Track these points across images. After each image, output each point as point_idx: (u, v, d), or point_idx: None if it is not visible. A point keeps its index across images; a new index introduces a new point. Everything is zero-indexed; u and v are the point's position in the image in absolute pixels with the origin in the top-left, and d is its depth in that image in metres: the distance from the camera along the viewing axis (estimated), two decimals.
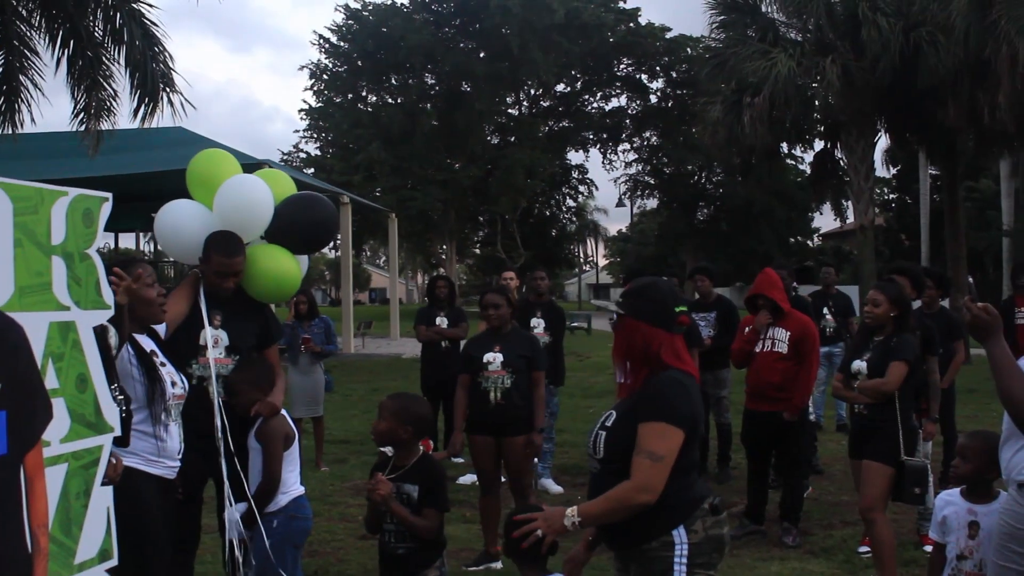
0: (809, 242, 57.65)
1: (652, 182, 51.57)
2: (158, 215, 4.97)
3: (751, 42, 22.59)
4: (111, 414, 3.06)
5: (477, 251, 59.69)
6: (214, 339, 4.75)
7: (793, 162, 41.46)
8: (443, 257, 50.14)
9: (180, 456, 4.26)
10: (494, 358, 6.35)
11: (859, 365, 5.95)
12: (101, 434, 3.01)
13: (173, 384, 4.23)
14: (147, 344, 4.18)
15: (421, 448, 4.38)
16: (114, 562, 3.09)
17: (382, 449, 4.50)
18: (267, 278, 4.95)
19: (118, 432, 3.15)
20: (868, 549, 6.46)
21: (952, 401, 8.33)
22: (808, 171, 37.38)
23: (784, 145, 28.72)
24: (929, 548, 6.50)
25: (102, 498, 3.02)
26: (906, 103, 22.02)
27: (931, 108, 21.45)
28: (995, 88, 19.76)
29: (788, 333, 7.09)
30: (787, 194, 46.27)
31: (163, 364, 4.22)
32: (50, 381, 2.81)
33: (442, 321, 9.76)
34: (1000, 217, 38.55)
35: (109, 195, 3.08)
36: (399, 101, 44.93)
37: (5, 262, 2.67)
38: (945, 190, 26.69)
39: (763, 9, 23.60)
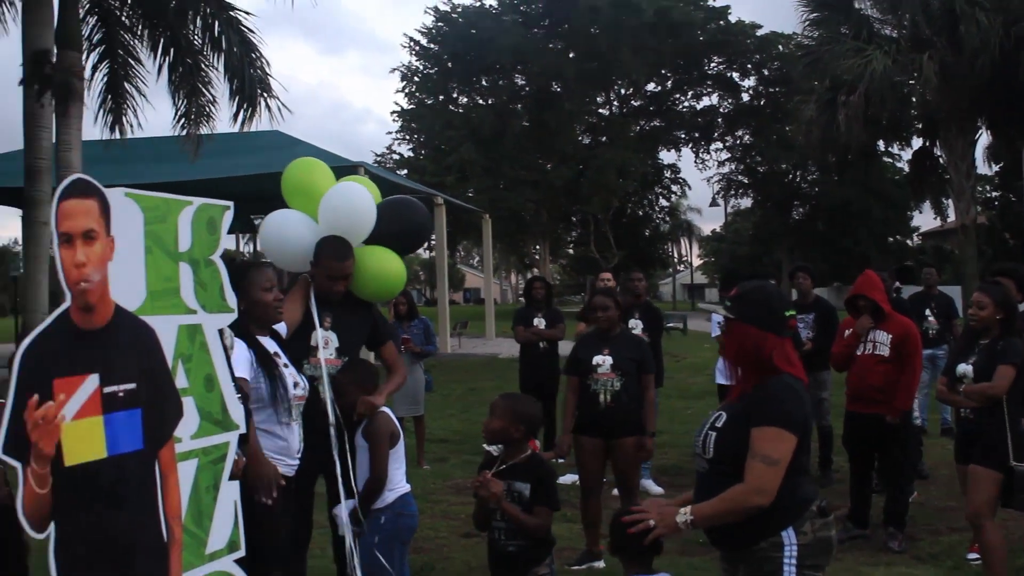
0: (908, 241, 56.40)
1: (746, 181, 51.05)
2: (263, 226, 5.16)
3: (845, 39, 22.30)
4: (236, 412, 3.21)
5: (570, 251, 59.70)
6: (324, 340, 4.90)
7: (890, 160, 40.65)
8: (536, 257, 50.29)
9: (299, 455, 4.41)
10: (603, 360, 6.37)
11: (964, 369, 5.82)
12: (228, 431, 3.16)
13: (295, 385, 4.36)
14: (270, 346, 4.33)
15: (530, 447, 4.42)
16: (241, 553, 3.22)
17: (487, 448, 4.58)
18: (374, 278, 5.11)
19: (243, 430, 3.29)
20: (978, 556, 6.33)
21: None
22: (906, 169, 36.64)
23: (880, 143, 28.21)
24: None
25: (229, 492, 3.16)
26: (1007, 99, 21.46)
27: None
28: None
29: (890, 336, 6.99)
30: (885, 192, 45.32)
31: (286, 365, 4.36)
32: (180, 381, 2.96)
33: (540, 322, 9.81)
34: None
35: (230, 204, 3.22)
36: (490, 102, 45.24)
37: (138, 269, 2.82)
38: None
39: (856, 6, 23.25)
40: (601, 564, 6.43)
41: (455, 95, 46.52)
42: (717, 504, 3.15)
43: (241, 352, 4.04)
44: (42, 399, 2.47)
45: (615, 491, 7.81)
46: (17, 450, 2.43)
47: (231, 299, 3.21)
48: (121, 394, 2.69)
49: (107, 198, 2.69)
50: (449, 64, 44.39)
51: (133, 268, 2.80)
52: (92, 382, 2.60)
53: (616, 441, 6.40)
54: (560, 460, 8.63)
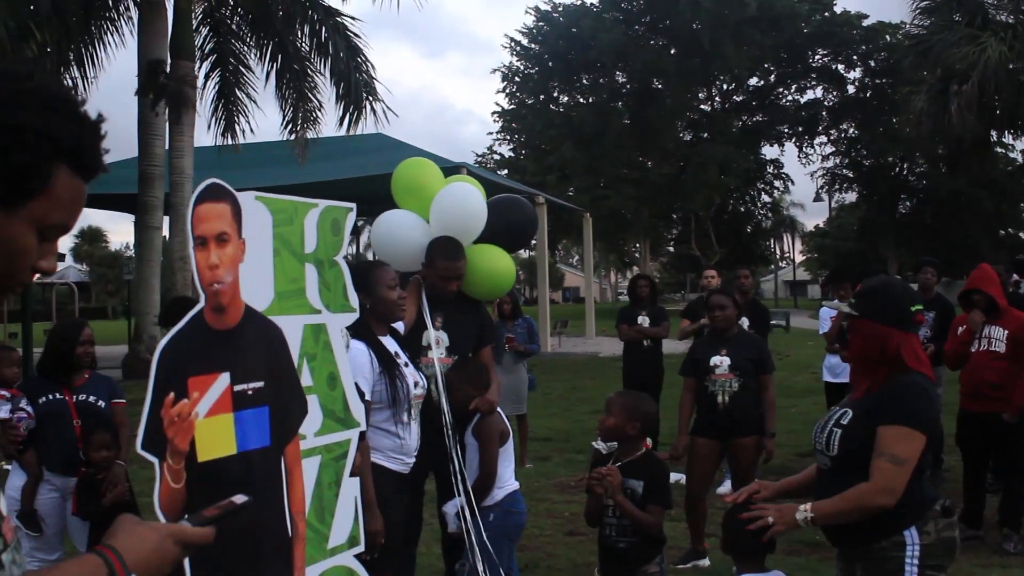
0: (1022, 234, 54.53)
1: (850, 175, 50.08)
2: (375, 226, 5.27)
3: (958, 27, 21.69)
4: (357, 410, 3.29)
5: (671, 249, 59.24)
6: (436, 339, 4.98)
7: (1003, 150, 39.36)
8: (636, 256, 50.07)
9: (416, 454, 4.49)
10: (721, 361, 6.33)
11: None
12: (349, 428, 3.24)
13: (415, 384, 4.43)
14: (391, 345, 4.42)
15: (646, 445, 4.43)
16: (361, 548, 3.30)
17: (596, 446, 4.59)
18: (485, 277, 5.21)
19: (364, 427, 3.37)
20: None
21: None
22: (1020, 159, 35.42)
23: (993, 133, 27.35)
24: None
25: (350, 488, 3.23)
26: None
27: None
28: None
29: (1006, 331, 6.85)
30: (996, 184, 43.95)
31: (406, 364, 4.44)
32: (305, 379, 3.04)
33: (644, 320, 9.77)
34: None
35: (353, 205, 3.30)
36: (590, 101, 45.23)
37: (266, 270, 2.91)
38: None
39: None
40: (706, 562, 6.42)
41: (556, 94, 46.63)
42: (840, 502, 3.11)
43: (359, 354, 4.13)
44: (177, 397, 2.56)
45: (718, 490, 7.77)
46: (155, 446, 2.52)
47: (353, 299, 3.29)
48: (250, 392, 2.77)
49: (239, 202, 2.78)
50: (550, 63, 44.49)
51: (262, 269, 2.89)
52: (224, 380, 2.69)
53: (735, 441, 6.37)
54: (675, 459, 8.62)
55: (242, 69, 15.34)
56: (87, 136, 1.40)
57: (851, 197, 53.10)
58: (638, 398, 4.53)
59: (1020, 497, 7.01)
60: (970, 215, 45.83)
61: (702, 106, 47.93)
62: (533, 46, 45.02)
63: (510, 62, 46.31)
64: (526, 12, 47.12)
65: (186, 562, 2.61)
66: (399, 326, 4.65)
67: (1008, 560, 6.48)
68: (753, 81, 47.62)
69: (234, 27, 15.27)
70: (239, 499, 1.87)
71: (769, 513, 3.16)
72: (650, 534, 4.29)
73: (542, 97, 46.21)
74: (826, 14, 43.53)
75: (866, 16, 44.10)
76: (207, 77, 15.08)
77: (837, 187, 50.73)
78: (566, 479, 9.09)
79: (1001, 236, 49.84)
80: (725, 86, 47.29)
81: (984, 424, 6.84)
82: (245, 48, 15.33)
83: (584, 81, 45.57)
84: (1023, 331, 6.85)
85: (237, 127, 15.37)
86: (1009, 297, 7.44)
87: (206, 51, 14.97)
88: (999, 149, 38.92)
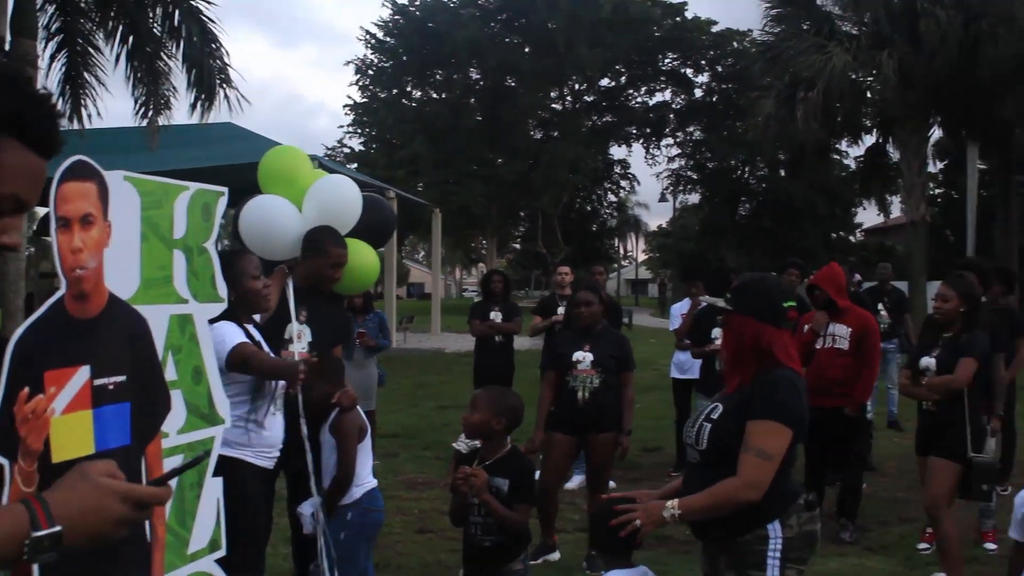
0: (852, 237, 57.07)
1: (695, 177, 51.32)
2: (244, 212, 5.06)
3: (806, 36, 22.53)
4: (223, 406, 3.14)
5: (517, 246, 59.64)
6: (298, 333, 4.84)
7: (838, 156, 41.17)
8: (483, 252, 50.19)
9: (281, 447, 4.35)
10: (583, 357, 6.34)
11: (928, 362, 5.92)
12: (213, 425, 3.08)
13: None
14: (256, 336, 4.27)
15: (510, 442, 4.41)
16: (222, 552, 3.14)
17: (456, 446, 4.53)
18: (356, 271, 5.12)
19: (228, 424, 3.23)
20: (928, 546, 6.50)
21: (1013, 398, 8.30)
22: (852, 166, 37.11)
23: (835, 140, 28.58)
24: (991, 545, 6.56)
25: (212, 490, 3.06)
26: (963, 97, 21.84)
27: (988, 102, 21.26)
28: None
29: (849, 329, 7.10)
30: (831, 189, 45.85)
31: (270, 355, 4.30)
32: (169, 373, 2.86)
33: (496, 316, 9.80)
34: None
35: (225, 190, 3.14)
36: (443, 96, 45.07)
37: (133, 255, 2.73)
38: (998, 185, 26.47)
39: (818, 2, 23.56)
40: (556, 556, 6.46)
41: (409, 89, 46.23)
42: (707, 497, 3.13)
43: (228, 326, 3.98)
44: (32, 392, 2.35)
45: (567, 485, 7.84)
46: (5, 446, 2.31)
47: (222, 288, 3.14)
48: (111, 387, 2.58)
49: (106, 181, 2.59)
50: (404, 57, 44.04)
51: (128, 255, 2.71)
52: (83, 374, 2.49)
53: (592, 437, 6.39)
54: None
55: (91, 50, 14.63)
56: (29, 108, 1.38)
57: (694, 198, 54.43)
58: (503, 393, 4.48)
59: (857, 488, 7.31)
60: (806, 218, 47.70)
61: (554, 105, 48.30)
62: (388, 39, 44.57)
63: (364, 55, 45.75)
64: (383, 5, 46.59)
65: (35, 569, 2.45)
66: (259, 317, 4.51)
67: (845, 549, 6.75)
68: (604, 82, 48.28)
69: (83, 5, 14.55)
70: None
71: (637, 514, 3.16)
72: (516, 532, 4.26)
73: (395, 91, 45.75)
74: (677, 19, 44.49)
75: (716, 23, 45.26)
76: (52, 58, 14.34)
77: (681, 188, 51.95)
78: (415, 476, 9.03)
79: (833, 239, 52.10)
80: (577, 86, 47.81)
81: (829, 419, 7.02)
82: (94, 28, 14.63)
83: (438, 76, 45.30)
84: (866, 329, 7.11)
85: (84, 111, 14.64)
86: (852, 296, 7.73)
87: (52, 30, 14.23)
88: (834, 155, 40.71)
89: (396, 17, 43.83)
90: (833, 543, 6.81)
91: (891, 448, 10.20)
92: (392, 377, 16.69)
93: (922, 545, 6.62)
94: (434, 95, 45.96)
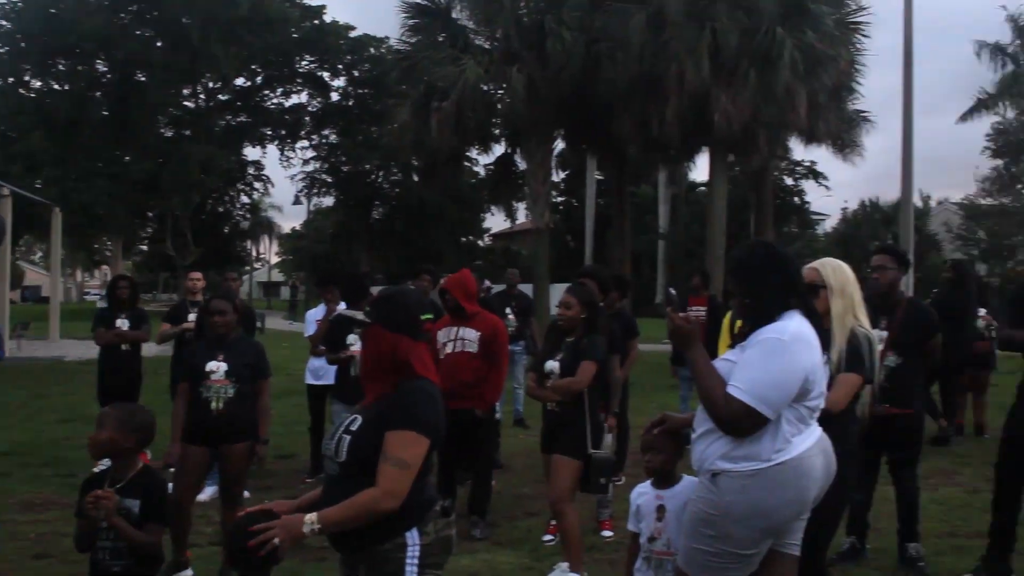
0: (480, 242, 59.53)
1: (329, 180, 51.36)
2: None
3: (442, 47, 23.16)
4: None
5: (144, 248, 56.94)
6: None
7: (469, 164, 42.81)
8: (108, 254, 47.44)
9: None
10: (217, 367, 6.16)
11: (552, 365, 6.21)
12: None
13: None
14: None
15: (141, 461, 4.18)
16: None
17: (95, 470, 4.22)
18: None
19: None
20: (552, 537, 6.84)
21: (627, 396, 8.94)
22: (483, 173, 38.77)
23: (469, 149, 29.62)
24: (608, 533, 7.03)
25: None
26: (585, 113, 23.35)
27: (607, 118, 22.87)
28: (664, 103, 21.40)
29: (478, 333, 7.29)
30: (461, 195, 47.50)
31: None
32: None
33: (123, 323, 9.35)
34: (657, 221, 41.85)
35: None
36: (66, 88, 42.21)
37: None
38: (613, 196, 28.52)
39: (454, 16, 24.24)
40: (189, 573, 6.22)
41: (27, 78, 42.84)
42: (346, 509, 3.10)
43: None
44: None
45: (200, 497, 7.56)
46: None
47: None
48: None
49: None
50: (23, 44, 40.76)
51: None
52: None
53: (227, 447, 6.20)
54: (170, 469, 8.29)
55: None
56: None
57: (329, 201, 54.60)
58: (133, 410, 4.27)
59: (487, 486, 7.57)
60: (437, 223, 49.11)
61: (186, 103, 46.55)
62: (5, 23, 41.00)
63: None
64: None
65: None
66: None
67: (476, 545, 6.88)
68: (240, 81, 47.18)
69: None
70: None
71: (276, 532, 3.08)
72: (148, 554, 4.07)
73: (11, 80, 42.23)
74: (316, 21, 44.30)
75: (354, 28, 45.56)
76: None
77: (316, 191, 51.85)
78: (31, 496, 8.33)
79: (463, 243, 54.09)
80: (211, 84, 46.35)
81: (461, 421, 7.17)
82: None
83: (61, 66, 42.39)
84: (493, 332, 7.35)
85: None
86: (481, 301, 7.98)
87: None
88: (465, 163, 42.24)
89: (16, 1, 40.42)
90: (464, 540, 6.96)
91: (517, 445, 10.64)
92: (3, 390, 15.35)
93: (547, 537, 6.93)
94: (56, 86, 42.93)
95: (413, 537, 3.17)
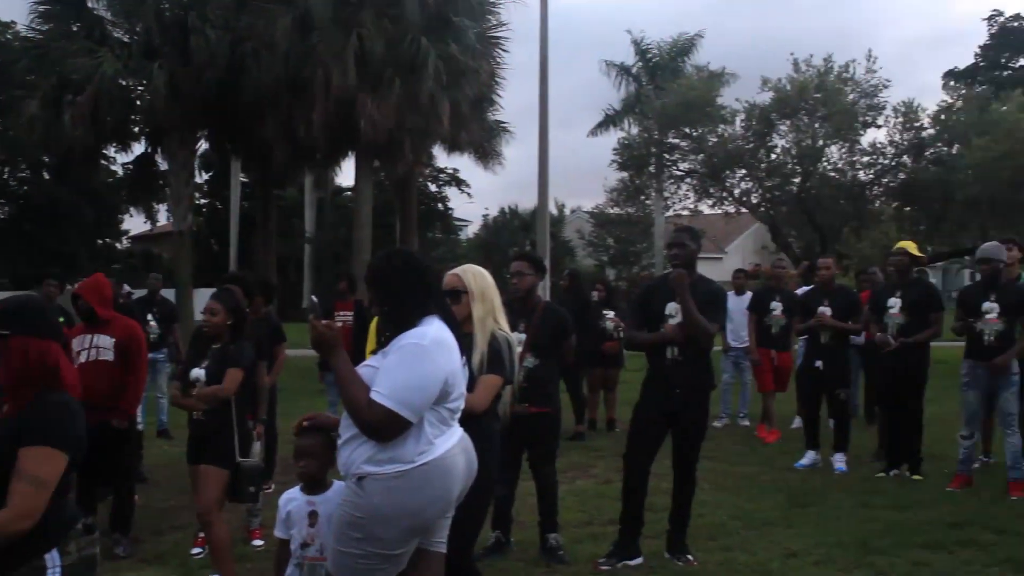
0: (118, 244, 56.44)
1: None
2: None
3: (76, 38, 21.92)
4: None
5: None
6: None
7: (106, 162, 40.50)
8: None
9: None
10: None
11: (197, 373, 6.10)
12: None
13: None
14: None
15: None
16: None
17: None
18: None
19: None
20: (200, 550, 6.70)
21: (275, 402, 8.90)
22: (121, 172, 36.83)
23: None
24: (258, 542, 6.98)
25: None
26: (229, 114, 22.84)
27: (252, 120, 22.52)
28: (311, 106, 21.39)
29: (114, 340, 6.97)
30: (98, 195, 44.83)
31: None
32: None
33: None
34: (304, 225, 41.57)
35: None
36: None
37: None
38: (259, 199, 28.08)
39: (90, 5, 23.01)
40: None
41: None
42: None
43: None
44: None
45: None
46: None
47: None
48: None
49: None
50: None
51: None
52: None
53: None
54: None
55: None
56: None
57: None
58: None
59: (129, 501, 7.25)
60: (70, 223, 46.02)
61: None
62: None
63: None
64: None
65: None
66: None
67: (119, 564, 6.60)
68: None
69: None
70: None
71: None
72: None
73: None
74: None
75: None
76: None
77: None
78: None
79: (99, 245, 51.03)
80: None
81: (96, 434, 6.83)
82: None
83: None
84: (130, 338, 7.04)
85: None
86: (120, 307, 7.64)
87: None
88: (104, 162, 39.96)
89: None
90: (108, 559, 6.68)
91: (161, 457, 10.31)
92: None
93: (195, 550, 6.76)
94: None
95: (53, 559, 3.06)
